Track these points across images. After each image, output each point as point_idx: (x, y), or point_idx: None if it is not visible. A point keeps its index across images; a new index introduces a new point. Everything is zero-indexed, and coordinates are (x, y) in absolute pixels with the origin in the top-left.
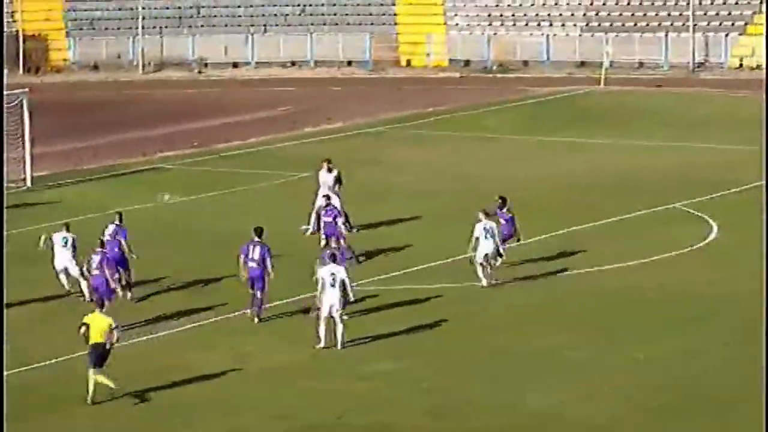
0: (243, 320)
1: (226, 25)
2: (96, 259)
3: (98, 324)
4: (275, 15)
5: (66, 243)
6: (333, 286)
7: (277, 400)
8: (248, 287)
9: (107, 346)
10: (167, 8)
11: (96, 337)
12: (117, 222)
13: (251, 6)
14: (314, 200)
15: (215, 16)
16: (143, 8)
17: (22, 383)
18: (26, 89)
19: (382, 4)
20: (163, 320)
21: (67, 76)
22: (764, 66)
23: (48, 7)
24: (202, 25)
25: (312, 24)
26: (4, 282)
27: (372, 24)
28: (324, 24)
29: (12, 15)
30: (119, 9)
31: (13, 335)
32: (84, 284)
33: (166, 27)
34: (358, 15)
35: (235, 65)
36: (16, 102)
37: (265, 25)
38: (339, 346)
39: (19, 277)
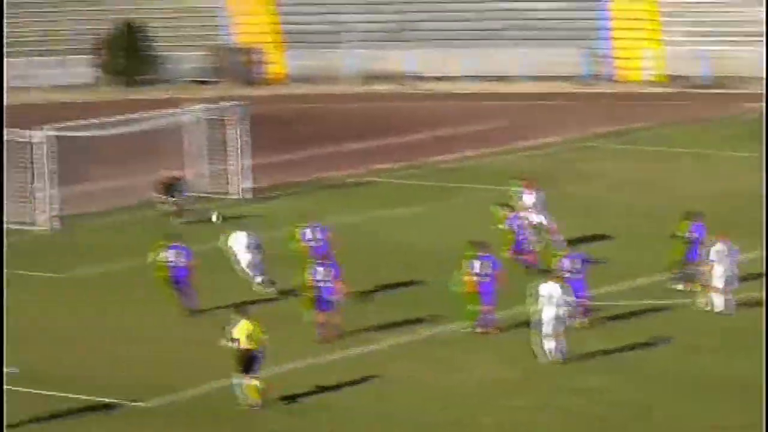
0: (455, 334)
1: (438, 39)
2: (325, 270)
3: (245, 331)
4: (486, 29)
5: (249, 246)
6: (551, 303)
7: (484, 415)
8: (472, 302)
9: (256, 353)
10: (380, 21)
11: (245, 343)
12: (313, 223)
13: (462, 20)
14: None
15: (427, 29)
16: (356, 21)
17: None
18: (242, 102)
19: (596, 19)
20: (372, 332)
21: (281, 88)
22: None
23: (264, 20)
24: (414, 39)
25: (523, 38)
26: (5, 282)
27: (586, 38)
28: (535, 38)
29: (229, 27)
30: (333, 22)
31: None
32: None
33: (378, 40)
34: (572, 29)
35: (446, 79)
36: (231, 114)
37: (476, 39)
38: (549, 359)
39: (229, 284)
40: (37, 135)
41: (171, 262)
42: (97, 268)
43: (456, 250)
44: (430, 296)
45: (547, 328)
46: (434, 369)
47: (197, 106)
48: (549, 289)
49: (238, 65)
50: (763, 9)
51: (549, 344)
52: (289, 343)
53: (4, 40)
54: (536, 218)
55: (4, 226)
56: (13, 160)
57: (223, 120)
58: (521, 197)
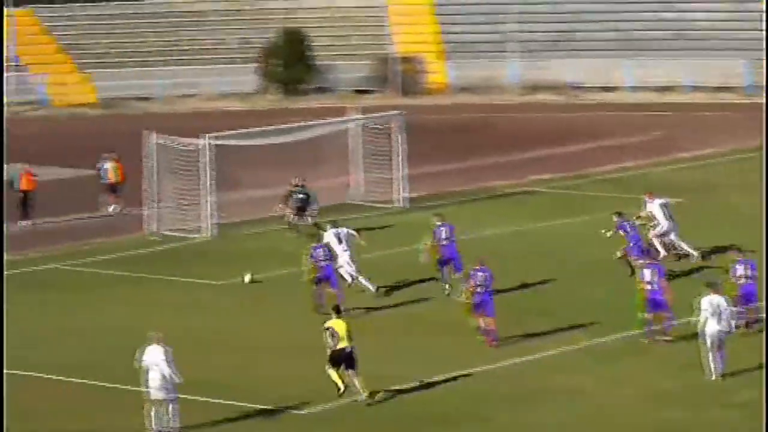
0: (616, 344)
1: (600, 49)
2: (483, 275)
3: (340, 329)
4: (649, 39)
5: (341, 240)
6: (714, 316)
7: (639, 428)
8: (643, 310)
9: (350, 350)
10: (542, 31)
11: (343, 342)
12: (441, 221)
13: (625, 30)
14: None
15: (590, 39)
16: (518, 31)
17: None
18: (402, 111)
19: (761, 30)
20: (531, 342)
21: (442, 98)
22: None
23: (424, 30)
24: (576, 49)
25: (686, 48)
26: (5, 280)
27: (750, 49)
28: (699, 48)
29: (390, 37)
30: (494, 32)
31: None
32: (365, 282)
33: (540, 50)
34: (734, 39)
35: (608, 89)
36: (392, 123)
37: (638, 49)
38: (714, 376)
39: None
40: (201, 143)
41: (319, 261)
42: (258, 275)
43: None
44: (591, 306)
45: (710, 341)
46: (593, 380)
47: (358, 115)
48: (713, 301)
49: (399, 75)
50: None
51: (712, 357)
52: (446, 351)
53: (4, 43)
54: (663, 227)
55: (5, 224)
56: (175, 167)
57: (383, 129)
58: (645, 206)
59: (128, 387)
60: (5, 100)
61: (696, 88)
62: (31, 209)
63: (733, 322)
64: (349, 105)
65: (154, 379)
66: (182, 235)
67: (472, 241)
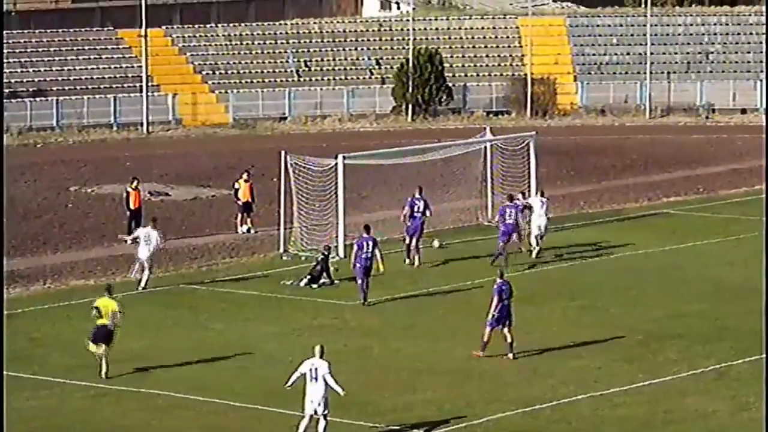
0: (749, 367)
1: (734, 71)
2: None
3: (105, 307)
4: None
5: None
6: None
7: None
8: None
9: (111, 327)
10: (676, 53)
11: (104, 319)
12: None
13: (761, 52)
14: None
15: (724, 62)
16: (651, 53)
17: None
18: (533, 132)
19: None
20: (663, 364)
21: (573, 119)
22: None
23: (557, 51)
24: (710, 71)
25: None
26: (4, 280)
27: None
28: None
29: (522, 59)
30: (627, 54)
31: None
32: None
33: (674, 72)
34: None
35: (743, 111)
36: (522, 144)
37: None
38: None
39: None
40: (334, 162)
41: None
42: (388, 295)
43: (750, 282)
44: (722, 328)
45: None
46: (724, 404)
47: (491, 136)
48: None
49: (531, 96)
50: None
51: None
52: (579, 373)
53: (3, 46)
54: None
55: (4, 221)
56: (308, 187)
57: (515, 150)
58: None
59: (261, 407)
60: (144, 120)
61: None
62: (137, 226)
63: None
64: (482, 126)
65: (317, 393)
66: (314, 255)
67: (603, 262)
